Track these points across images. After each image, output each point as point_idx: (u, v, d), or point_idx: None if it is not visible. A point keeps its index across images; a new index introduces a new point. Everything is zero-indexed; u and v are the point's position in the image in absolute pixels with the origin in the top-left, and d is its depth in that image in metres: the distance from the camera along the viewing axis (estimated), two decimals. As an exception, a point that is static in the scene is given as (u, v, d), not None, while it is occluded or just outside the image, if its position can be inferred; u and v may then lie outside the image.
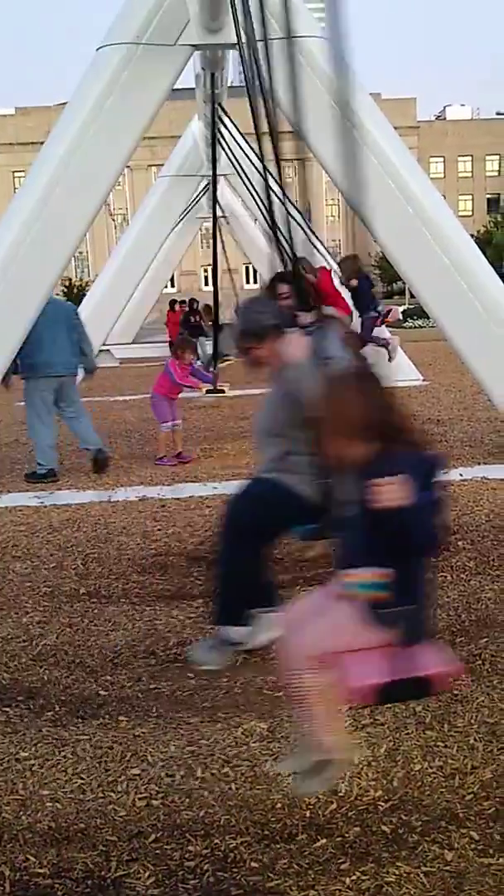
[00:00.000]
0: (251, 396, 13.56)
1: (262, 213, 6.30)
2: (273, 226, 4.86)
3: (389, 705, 3.64)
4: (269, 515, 4.09)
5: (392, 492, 2.28)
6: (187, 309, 22.00)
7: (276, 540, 4.35)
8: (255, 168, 14.09)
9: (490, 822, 2.90)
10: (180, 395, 9.59)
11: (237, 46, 8.50)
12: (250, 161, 12.97)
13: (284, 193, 4.73)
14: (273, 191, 5.32)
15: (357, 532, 2.48)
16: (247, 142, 13.37)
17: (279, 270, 5.46)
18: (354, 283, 12.22)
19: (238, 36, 6.14)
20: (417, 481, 2.32)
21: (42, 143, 8.96)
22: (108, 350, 19.94)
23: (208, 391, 13.71)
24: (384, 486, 2.29)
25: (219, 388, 13.96)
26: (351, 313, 11.81)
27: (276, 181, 4.79)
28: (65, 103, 9.39)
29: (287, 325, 4.13)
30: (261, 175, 5.56)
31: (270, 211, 5.12)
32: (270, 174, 4.95)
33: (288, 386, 3.93)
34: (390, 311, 12.60)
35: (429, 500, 2.35)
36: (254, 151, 13.75)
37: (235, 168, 13.53)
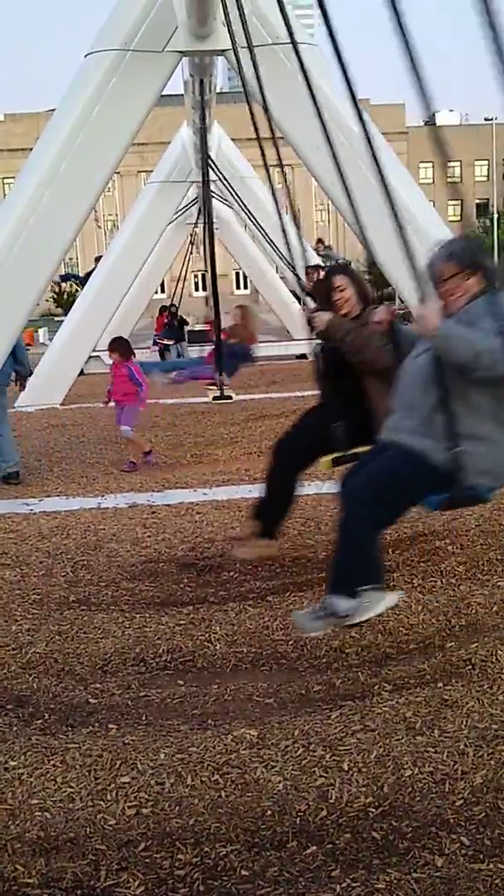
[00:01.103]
0: (239, 402, 13.59)
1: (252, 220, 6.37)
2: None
3: (379, 711, 3.64)
4: (394, 486, 3.96)
5: None
6: (168, 315, 22.08)
7: (403, 512, 4.19)
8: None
9: (481, 828, 2.90)
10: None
11: (225, 53, 8.55)
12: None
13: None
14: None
15: None
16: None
17: (339, 262, 5.51)
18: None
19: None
20: None
21: (31, 149, 8.96)
22: (97, 356, 19.91)
23: (215, 397, 13.66)
24: None
25: (226, 394, 13.86)
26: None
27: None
28: (54, 109, 9.40)
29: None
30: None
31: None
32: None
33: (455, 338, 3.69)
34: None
35: None
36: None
37: (219, 176, 13.53)
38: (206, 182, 13.79)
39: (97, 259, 21.56)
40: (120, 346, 9.69)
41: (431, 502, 4.06)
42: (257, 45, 8.14)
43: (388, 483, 3.95)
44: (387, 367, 4.42)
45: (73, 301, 21.71)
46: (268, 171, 6.07)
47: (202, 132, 12.59)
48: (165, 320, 22.32)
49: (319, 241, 17.08)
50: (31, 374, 9.53)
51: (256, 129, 5.90)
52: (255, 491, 7.74)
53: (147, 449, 9.31)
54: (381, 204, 8.22)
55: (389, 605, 4.09)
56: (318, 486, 7.84)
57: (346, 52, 5.26)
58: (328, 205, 65.98)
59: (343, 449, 4.94)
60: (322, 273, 8.93)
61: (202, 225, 17.11)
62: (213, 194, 14.12)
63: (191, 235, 25.06)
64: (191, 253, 25.40)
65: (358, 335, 4.93)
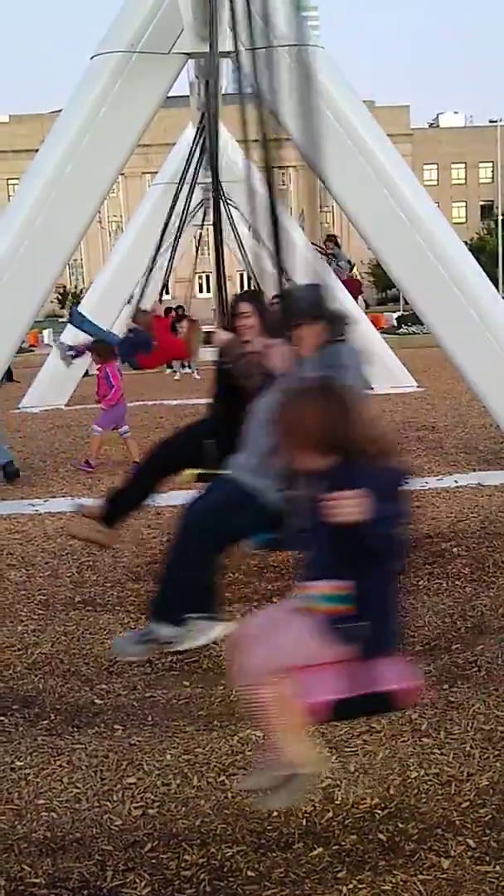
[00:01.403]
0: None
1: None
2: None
3: (385, 716, 3.63)
4: (229, 520, 3.98)
5: (349, 506, 2.24)
6: (175, 316, 22.00)
7: (232, 546, 4.22)
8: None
9: (486, 830, 2.90)
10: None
11: (231, 55, 8.56)
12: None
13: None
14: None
15: (316, 544, 2.43)
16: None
17: (244, 290, 5.43)
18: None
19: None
20: (378, 494, 2.27)
21: (36, 150, 8.97)
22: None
23: None
24: (341, 500, 2.25)
25: None
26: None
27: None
28: (59, 111, 9.41)
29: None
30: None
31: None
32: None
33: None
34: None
35: (390, 513, 2.30)
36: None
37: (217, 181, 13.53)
38: (215, 184, 13.78)
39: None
40: (98, 349, 9.80)
41: (260, 540, 4.07)
42: (261, 47, 8.15)
43: (224, 515, 3.97)
44: None
45: (78, 302, 21.68)
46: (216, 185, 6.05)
47: (210, 134, 12.59)
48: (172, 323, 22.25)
49: (330, 237, 16.91)
50: (9, 372, 9.58)
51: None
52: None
53: (90, 459, 9.35)
54: (386, 205, 8.26)
55: (217, 636, 4.02)
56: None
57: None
58: (333, 206, 65.98)
59: (211, 467, 4.88)
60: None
61: (209, 226, 17.10)
62: (221, 196, 14.15)
63: (196, 237, 25.08)
64: (197, 254, 25.38)
65: (248, 362, 4.89)
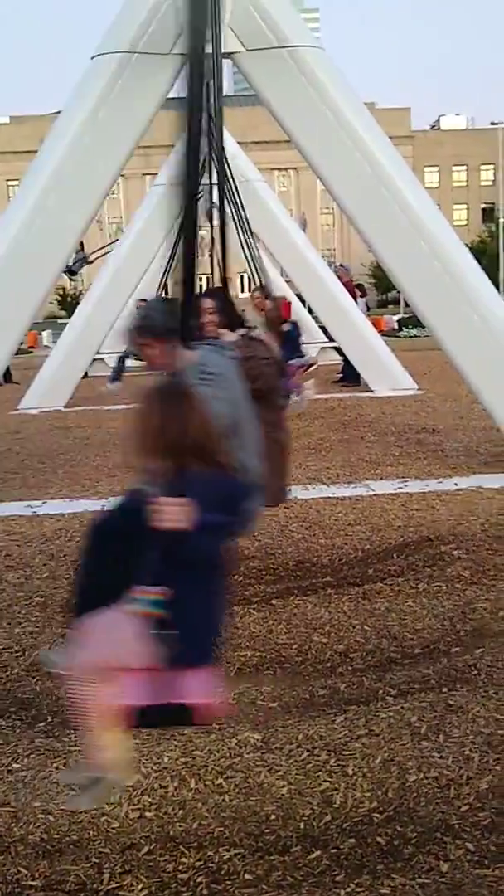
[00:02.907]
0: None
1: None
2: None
3: (384, 716, 3.62)
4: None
5: (172, 513, 2.24)
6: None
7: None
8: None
9: (486, 833, 2.88)
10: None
11: (232, 55, 8.55)
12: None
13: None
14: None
15: (148, 547, 2.38)
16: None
17: (210, 288, 5.34)
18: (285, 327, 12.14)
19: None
20: (206, 504, 2.26)
21: (36, 151, 8.97)
22: (101, 359, 19.92)
23: None
24: (167, 506, 2.25)
25: None
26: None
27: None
28: (59, 112, 9.40)
29: (191, 337, 3.59)
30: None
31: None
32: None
33: None
34: (313, 364, 12.12)
35: (216, 524, 2.30)
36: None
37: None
38: (221, 185, 13.79)
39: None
40: None
41: None
42: (263, 48, 8.16)
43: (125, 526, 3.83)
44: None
45: (77, 303, 21.67)
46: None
47: (210, 135, 12.60)
48: None
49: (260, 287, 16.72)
50: (8, 373, 9.62)
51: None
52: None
53: None
54: (387, 207, 8.29)
55: None
56: (321, 489, 7.84)
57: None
58: (334, 208, 66.03)
59: None
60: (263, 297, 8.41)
61: (209, 228, 17.09)
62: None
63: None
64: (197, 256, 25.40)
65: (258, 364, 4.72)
